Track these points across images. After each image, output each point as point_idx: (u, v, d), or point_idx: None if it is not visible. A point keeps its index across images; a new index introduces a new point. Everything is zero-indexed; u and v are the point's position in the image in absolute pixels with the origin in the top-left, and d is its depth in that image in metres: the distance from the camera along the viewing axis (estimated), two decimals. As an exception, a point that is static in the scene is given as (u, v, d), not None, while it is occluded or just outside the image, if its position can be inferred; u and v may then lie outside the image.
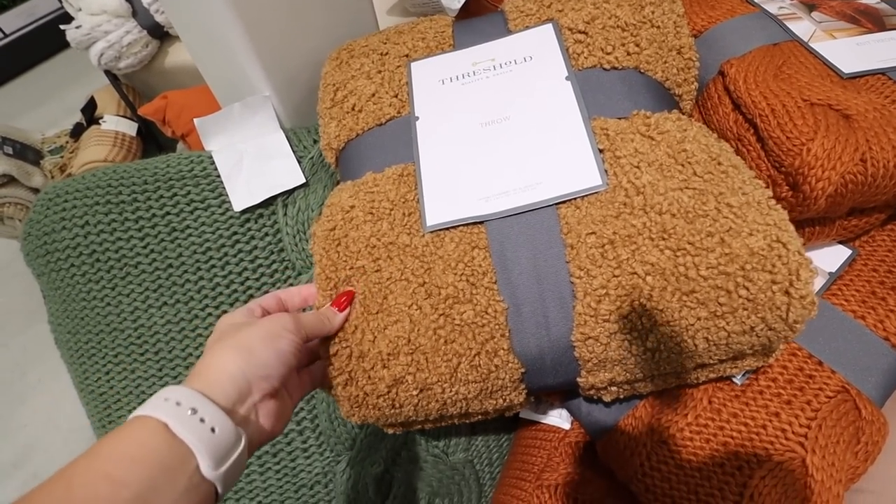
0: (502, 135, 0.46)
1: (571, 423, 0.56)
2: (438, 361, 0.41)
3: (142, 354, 0.58)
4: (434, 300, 0.41)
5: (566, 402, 0.54)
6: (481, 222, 0.43)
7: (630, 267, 0.38)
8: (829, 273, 0.51)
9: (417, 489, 0.59)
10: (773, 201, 0.40)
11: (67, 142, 1.10)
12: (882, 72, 0.49)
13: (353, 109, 0.51)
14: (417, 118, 0.49)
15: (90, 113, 1.10)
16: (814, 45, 0.52)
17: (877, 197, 0.47)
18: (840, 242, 0.54)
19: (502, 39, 0.51)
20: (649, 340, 0.39)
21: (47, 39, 1.53)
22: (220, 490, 0.31)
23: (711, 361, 0.41)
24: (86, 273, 0.58)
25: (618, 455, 0.49)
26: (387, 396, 0.42)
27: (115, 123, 1.08)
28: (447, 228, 0.44)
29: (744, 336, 0.38)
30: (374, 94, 0.51)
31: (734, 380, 0.47)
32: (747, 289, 0.37)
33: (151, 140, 1.15)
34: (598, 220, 0.40)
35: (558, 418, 0.57)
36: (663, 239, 0.38)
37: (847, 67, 0.50)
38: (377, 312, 0.42)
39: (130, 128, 1.08)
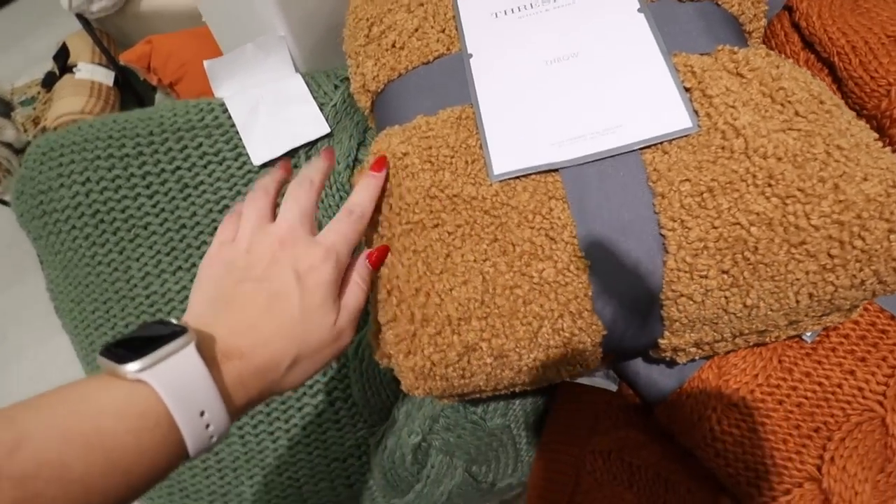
0: (571, 73, 0.41)
1: (618, 385, 0.53)
2: (517, 325, 0.36)
3: (155, 324, 0.53)
4: (509, 257, 0.36)
5: (617, 364, 0.51)
6: (556, 170, 0.38)
7: (732, 216, 0.34)
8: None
9: (455, 457, 0.57)
10: (880, 144, 0.36)
11: (39, 92, 1.01)
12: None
13: (393, 46, 0.45)
14: (471, 55, 0.43)
15: (63, 61, 1.00)
16: (890, -24, 0.48)
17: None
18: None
19: None
20: (749, 297, 0.35)
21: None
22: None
23: (805, 318, 0.38)
24: (89, 236, 0.52)
25: (683, 420, 0.46)
26: (457, 366, 0.37)
27: (91, 72, 0.98)
28: (517, 178, 0.39)
29: (851, 290, 0.35)
30: (417, 29, 0.45)
31: (804, 337, 0.45)
32: (863, 239, 0.33)
33: (129, 90, 1.06)
34: (692, 165, 0.36)
35: (605, 379, 0.54)
36: (770, 185, 0.34)
37: (932, -2, 0.46)
38: (441, 272, 0.37)
39: (107, 77, 0.99)
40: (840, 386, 0.43)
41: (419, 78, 0.44)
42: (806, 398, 0.43)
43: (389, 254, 0.39)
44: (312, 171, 0.38)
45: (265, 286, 0.32)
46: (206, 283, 0.34)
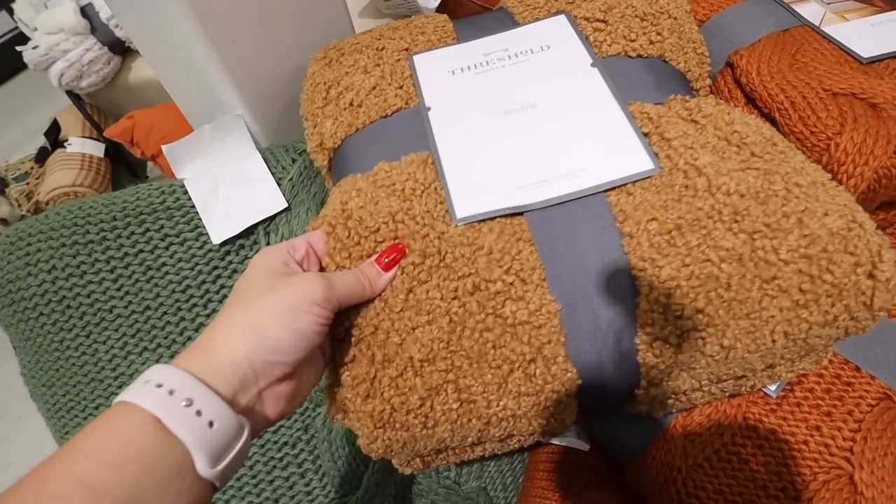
0: (531, 122, 0.40)
1: (590, 444, 0.51)
2: (486, 369, 0.33)
3: (124, 405, 0.52)
4: (482, 295, 0.34)
5: (584, 423, 0.49)
6: (521, 213, 0.37)
7: (703, 253, 0.33)
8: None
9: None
10: (834, 182, 0.35)
11: (32, 167, 1.01)
12: (904, 54, 0.45)
13: (351, 104, 0.44)
14: (429, 108, 0.42)
15: (54, 136, 1.01)
16: (826, 29, 0.48)
17: (912, 189, 0.43)
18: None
19: (513, 31, 0.46)
20: (726, 337, 0.33)
21: (4, 61, 1.42)
22: (217, 486, 0.26)
23: (781, 361, 0.37)
24: (56, 321, 0.51)
25: (650, 482, 0.44)
26: (419, 411, 0.34)
27: (82, 145, 0.99)
28: (482, 220, 0.37)
29: (825, 328, 0.33)
30: (374, 87, 0.44)
31: (768, 393, 0.43)
32: (832, 273, 0.32)
33: (120, 160, 1.07)
34: (657, 205, 0.34)
35: (576, 438, 0.52)
36: (736, 221, 0.33)
37: (866, 51, 0.46)
38: (401, 310, 0.34)
39: (98, 149, 1.00)
40: (806, 443, 0.40)
41: (378, 130, 0.43)
42: (772, 457, 0.41)
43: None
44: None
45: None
46: None
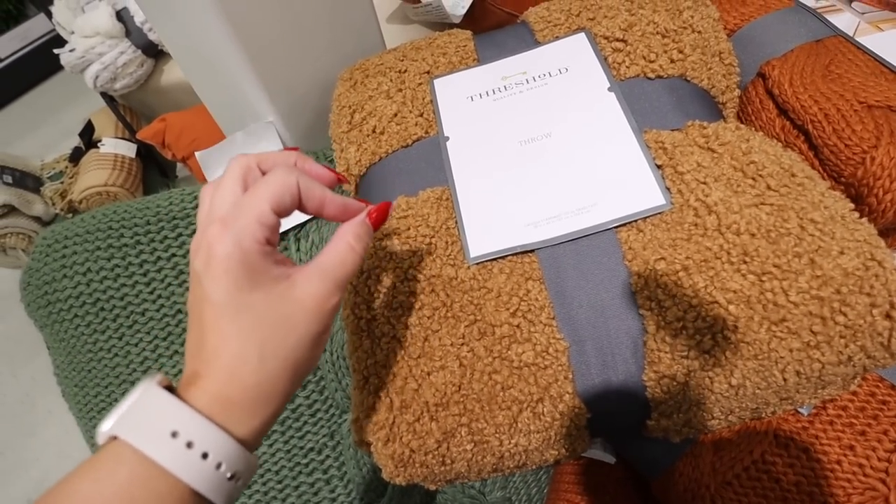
0: (545, 153, 0.40)
1: (616, 456, 0.51)
2: (496, 411, 0.35)
3: (155, 406, 0.53)
4: (488, 340, 0.35)
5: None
6: (532, 251, 0.37)
7: (710, 295, 0.32)
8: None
9: (454, 533, 0.54)
10: (856, 214, 0.34)
11: (67, 167, 1.04)
12: (940, 64, 0.44)
13: (374, 132, 0.45)
14: (448, 138, 0.43)
15: (88, 136, 1.03)
16: (861, 40, 0.47)
17: (949, 203, 0.42)
18: (908, 250, 0.48)
19: (532, 51, 0.45)
20: (734, 377, 0.33)
21: (42, 62, 1.45)
22: None
23: (798, 395, 0.36)
24: (90, 323, 0.52)
25: (678, 497, 0.43)
26: (436, 452, 0.35)
27: (114, 146, 1.01)
28: (494, 259, 0.38)
29: (839, 367, 0.33)
30: (396, 114, 0.45)
31: (800, 410, 0.42)
32: (845, 314, 0.31)
33: (151, 160, 1.09)
34: (666, 244, 0.34)
35: (602, 451, 0.51)
36: (745, 262, 0.33)
37: (903, 62, 0.44)
38: (419, 357, 0.36)
39: (130, 150, 1.02)
40: (839, 462, 0.40)
41: (399, 161, 0.44)
42: (804, 476, 0.40)
43: (367, 338, 0.38)
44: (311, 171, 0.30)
45: (196, 294, 0.27)
46: None
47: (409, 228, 0.40)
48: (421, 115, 0.45)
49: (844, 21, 0.49)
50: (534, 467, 0.41)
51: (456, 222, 0.40)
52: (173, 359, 0.52)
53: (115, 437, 0.23)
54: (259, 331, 0.25)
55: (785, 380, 0.33)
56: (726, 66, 0.45)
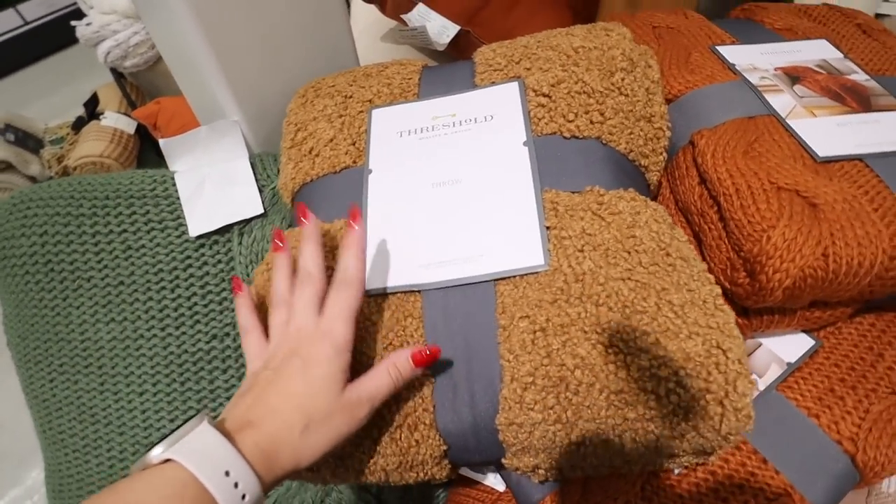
0: (451, 198, 0.43)
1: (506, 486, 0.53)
2: (359, 431, 0.38)
3: (86, 367, 0.56)
4: (361, 369, 0.38)
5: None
6: (419, 290, 0.40)
7: (559, 358, 0.35)
8: (788, 363, 0.47)
9: (348, 533, 0.57)
10: (721, 300, 0.36)
11: (68, 134, 1.09)
12: (859, 157, 0.46)
13: (310, 153, 0.48)
14: (371, 171, 0.46)
15: (92, 108, 1.08)
16: (791, 122, 0.49)
17: (840, 293, 0.44)
18: (804, 331, 0.50)
19: (466, 94, 0.48)
20: (574, 434, 0.36)
21: (65, 30, 1.52)
22: None
23: (642, 460, 0.38)
24: (39, 282, 0.56)
25: (545, 532, 0.46)
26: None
27: (115, 120, 1.06)
28: (386, 295, 0.41)
29: (674, 441, 0.35)
30: (332, 140, 0.48)
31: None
32: (679, 395, 0.34)
33: (148, 139, 1.14)
34: (533, 303, 0.37)
35: (494, 480, 0.53)
36: (596, 333, 0.35)
37: (822, 150, 0.46)
38: None
39: (129, 126, 1.07)
40: (698, 525, 0.42)
41: (325, 186, 0.47)
42: (662, 532, 0.42)
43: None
44: (308, 263, 0.38)
45: (276, 372, 0.35)
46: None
47: None
48: (353, 144, 0.48)
49: (782, 102, 0.51)
50: (401, 484, 0.44)
51: None
52: (108, 325, 0.56)
53: (168, 460, 0.29)
54: (310, 412, 0.33)
55: (623, 444, 0.36)
56: (655, 129, 0.48)
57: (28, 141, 1.06)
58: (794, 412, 0.45)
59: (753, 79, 0.53)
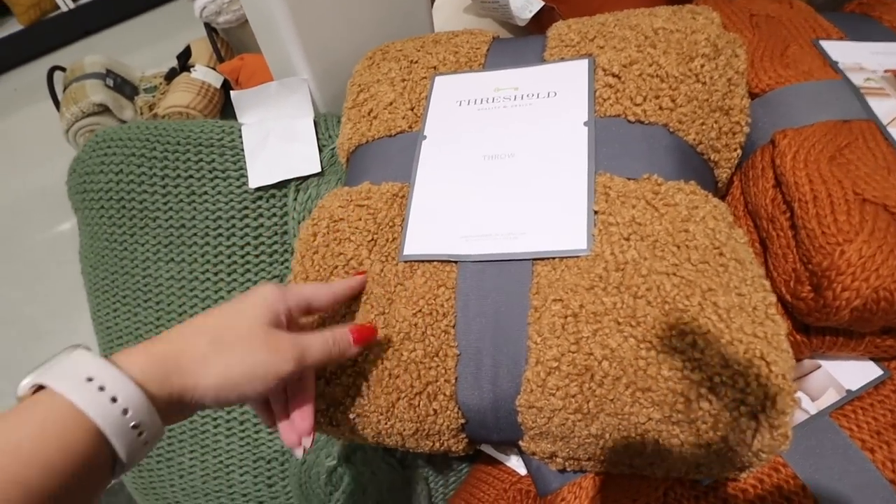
0: (502, 172, 0.42)
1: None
2: (378, 392, 0.38)
3: (145, 301, 0.60)
4: (388, 331, 0.39)
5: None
6: (456, 261, 0.40)
7: (588, 346, 0.34)
8: (848, 391, 0.44)
9: (367, 491, 0.58)
10: (773, 309, 0.34)
11: (161, 83, 1.16)
12: (965, 178, 0.41)
13: (368, 114, 0.49)
14: (425, 137, 0.45)
15: (184, 60, 1.14)
16: (893, 131, 0.44)
17: (918, 322, 0.40)
18: (873, 359, 0.46)
19: (533, 68, 0.46)
20: (594, 426, 0.35)
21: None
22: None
23: (665, 465, 0.37)
24: (112, 217, 0.60)
25: (557, 523, 0.45)
26: (325, 413, 0.40)
27: (204, 74, 1.11)
28: (420, 261, 0.41)
29: (699, 449, 0.33)
30: (391, 103, 0.48)
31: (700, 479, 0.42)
32: (710, 402, 0.32)
33: (234, 94, 1.19)
34: (569, 287, 0.36)
35: (517, 462, 0.53)
36: (630, 325, 0.33)
37: (924, 165, 0.42)
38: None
39: (216, 80, 1.12)
40: (721, 541, 0.40)
41: (380, 148, 0.47)
42: (681, 542, 0.40)
43: None
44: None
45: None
46: None
47: (359, 219, 0.43)
48: (411, 109, 0.48)
49: (886, 107, 0.46)
50: (421, 451, 0.44)
51: (402, 220, 0.43)
52: (168, 265, 0.59)
53: (36, 388, 0.26)
54: (220, 332, 0.31)
55: (644, 445, 0.34)
56: (732, 122, 0.45)
57: (125, 87, 1.14)
58: (847, 442, 0.41)
59: (857, 79, 0.48)
